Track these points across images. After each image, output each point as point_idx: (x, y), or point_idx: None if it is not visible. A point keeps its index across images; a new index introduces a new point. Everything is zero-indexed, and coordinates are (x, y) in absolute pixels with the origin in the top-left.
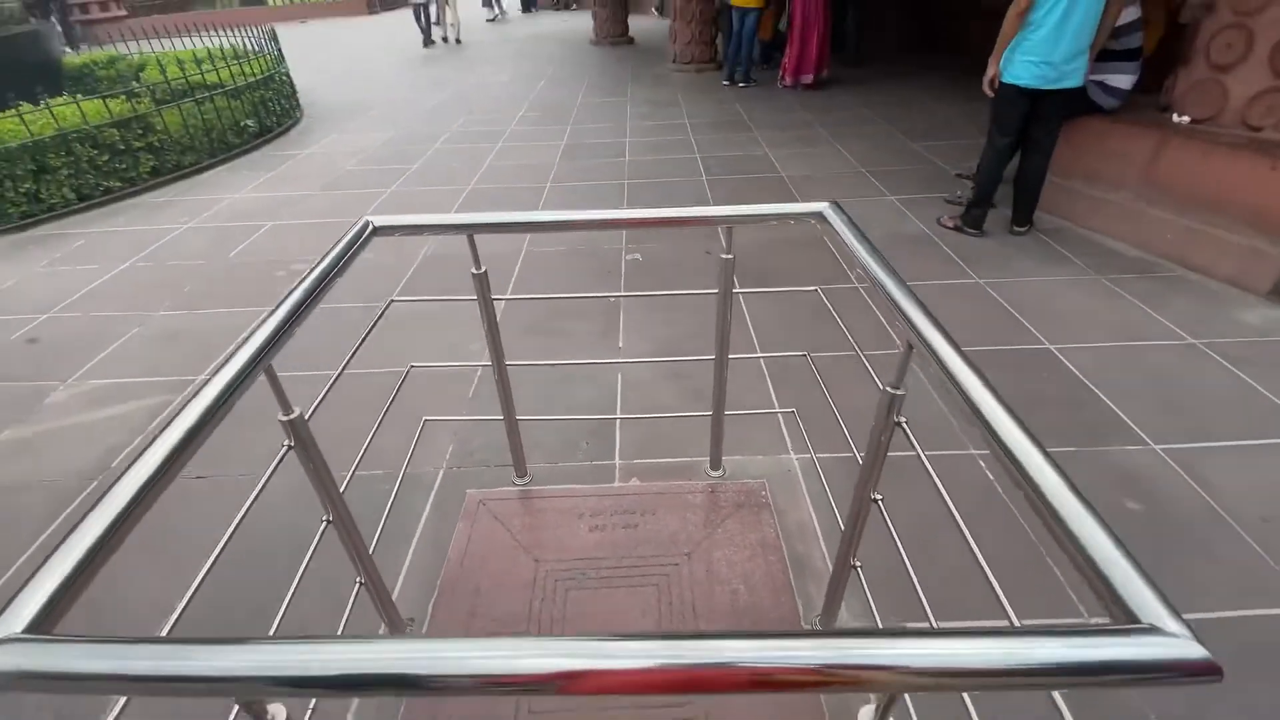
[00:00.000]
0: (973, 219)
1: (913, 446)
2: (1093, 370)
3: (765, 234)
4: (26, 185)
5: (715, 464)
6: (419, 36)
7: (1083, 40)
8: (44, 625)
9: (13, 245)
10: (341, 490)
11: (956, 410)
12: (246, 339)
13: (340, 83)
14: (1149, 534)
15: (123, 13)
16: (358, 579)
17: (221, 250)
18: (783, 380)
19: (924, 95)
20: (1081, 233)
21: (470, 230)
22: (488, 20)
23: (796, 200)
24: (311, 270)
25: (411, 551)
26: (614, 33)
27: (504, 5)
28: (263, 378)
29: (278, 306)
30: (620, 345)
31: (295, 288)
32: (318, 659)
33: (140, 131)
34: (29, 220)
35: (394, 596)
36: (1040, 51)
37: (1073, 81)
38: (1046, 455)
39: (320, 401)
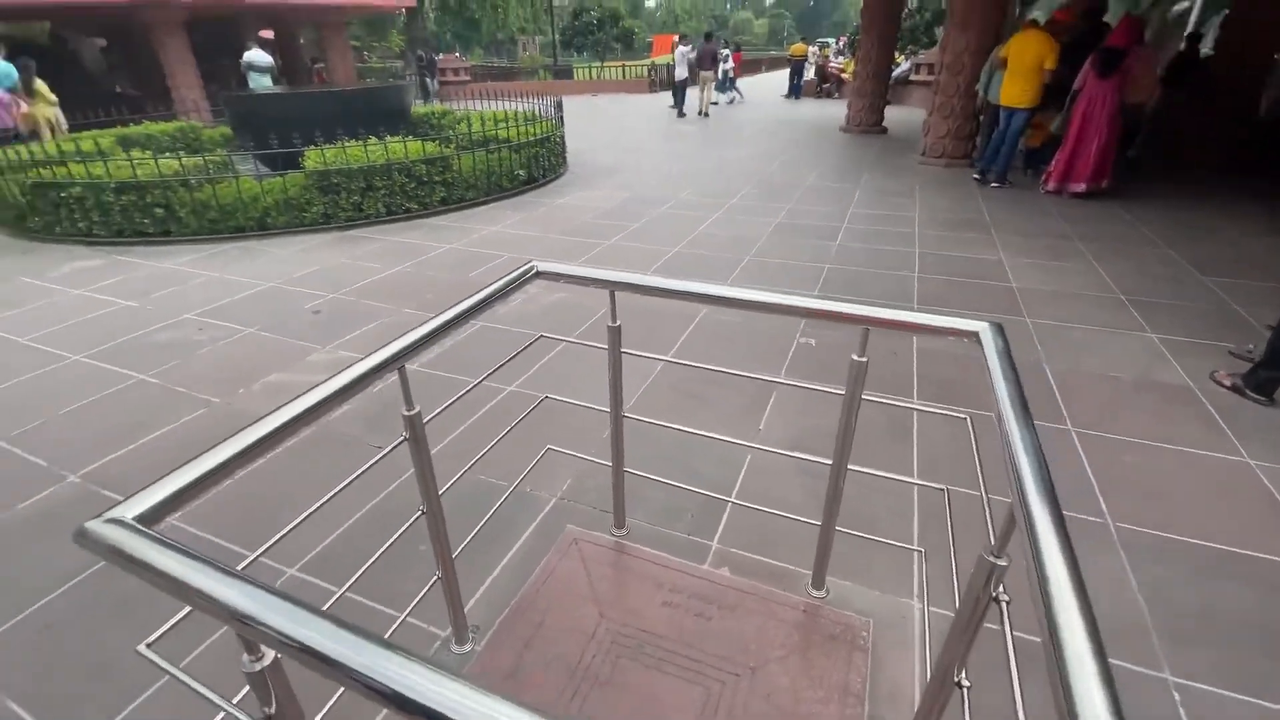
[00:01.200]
0: (1261, 383)
1: (1008, 632)
2: None
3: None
4: (355, 198)
5: (818, 582)
6: (684, 111)
7: None
8: (149, 519)
9: (333, 240)
10: (441, 491)
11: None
12: (389, 342)
13: (605, 147)
14: None
15: (468, 78)
16: (436, 573)
17: (464, 269)
18: (930, 512)
19: (1231, 223)
20: None
21: (612, 287)
22: (728, 104)
23: (1021, 315)
24: (472, 296)
25: (501, 566)
26: (867, 121)
27: (741, 91)
28: (395, 377)
29: (430, 319)
30: (761, 427)
31: (451, 307)
32: (354, 653)
33: (440, 169)
34: (349, 224)
35: (470, 601)
36: None
37: None
38: None
39: (446, 408)
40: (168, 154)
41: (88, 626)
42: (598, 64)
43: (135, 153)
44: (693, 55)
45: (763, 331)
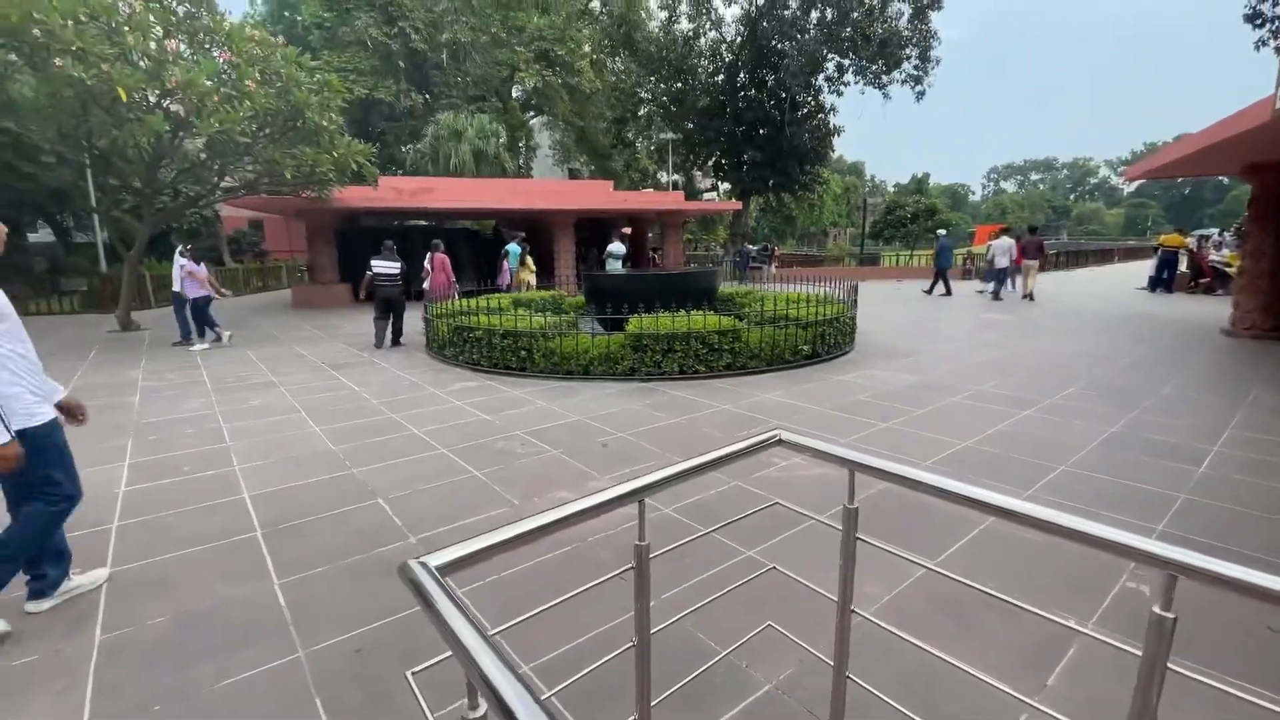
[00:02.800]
0: None
1: None
2: None
3: None
4: (657, 356)
5: None
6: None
7: None
8: (445, 570)
9: (631, 389)
10: (654, 630)
11: None
12: (635, 479)
13: (899, 330)
14: None
15: (775, 263)
16: (633, 717)
17: (732, 428)
18: None
19: None
20: None
21: (852, 466)
22: (991, 296)
23: None
24: (715, 450)
25: None
26: (1263, 325)
27: (1015, 284)
28: (634, 506)
29: (678, 462)
30: (1048, 683)
31: (698, 456)
32: None
33: (731, 339)
34: (648, 378)
35: None
36: None
37: None
38: None
39: (675, 547)
40: (538, 314)
41: (388, 654)
42: (906, 251)
43: (520, 311)
44: (1012, 247)
45: (1075, 563)
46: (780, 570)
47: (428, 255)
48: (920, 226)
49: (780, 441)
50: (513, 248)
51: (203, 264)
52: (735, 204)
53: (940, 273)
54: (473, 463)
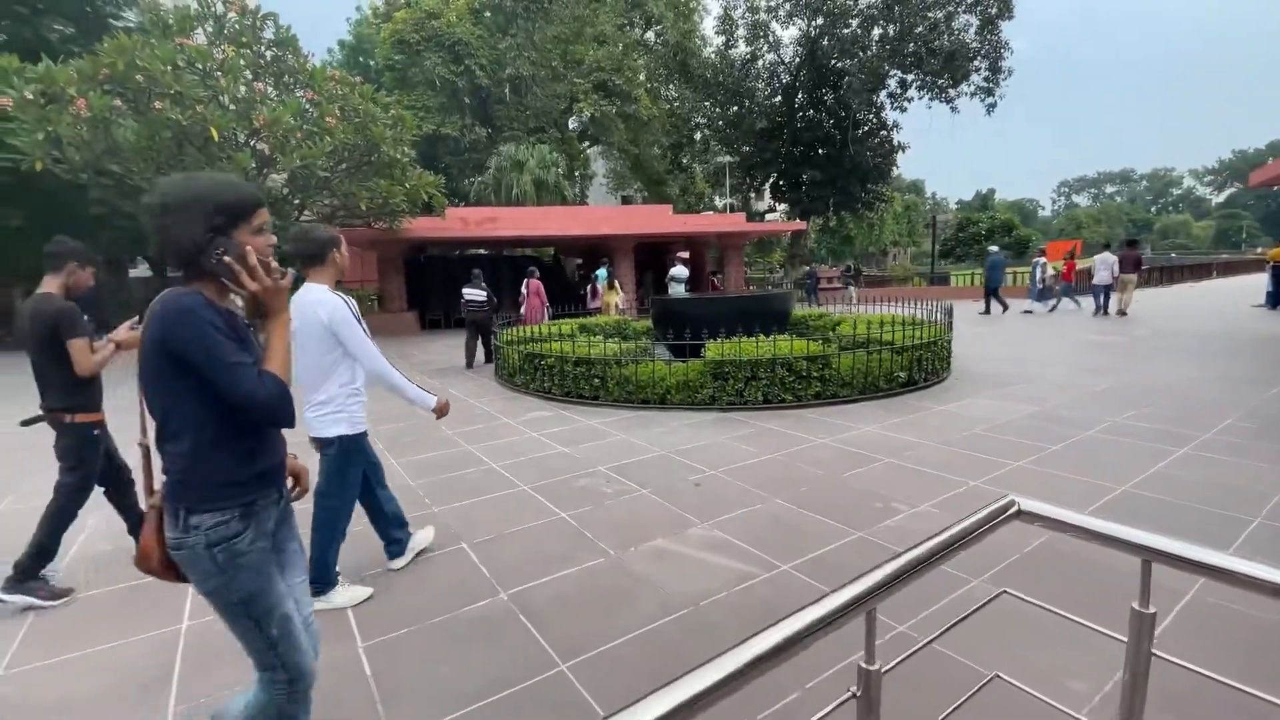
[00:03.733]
0: None
1: None
2: None
3: None
4: (739, 385)
5: None
6: (1084, 320)
7: None
8: None
9: (713, 419)
10: None
11: None
12: (856, 579)
13: (993, 353)
14: None
15: (839, 285)
16: None
17: (837, 467)
18: None
19: None
20: None
21: (1148, 555)
22: (1047, 311)
23: None
24: (939, 534)
25: None
26: None
27: (1077, 300)
28: (861, 619)
29: (895, 557)
30: None
31: (917, 545)
32: None
33: (820, 366)
34: (729, 407)
35: None
36: None
37: None
38: None
39: (900, 661)
40: (607, 340)
41: None
42: (979, 270)
43: (591, 338)
44: (1115, 262)
45: None
46: (1004, 679)
47: (524, 281)
48: (997, 243)
49: (1019, 513)
50: (601, 272)
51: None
52: (799, 224)
53: (991, 291)
54: (558, 502)
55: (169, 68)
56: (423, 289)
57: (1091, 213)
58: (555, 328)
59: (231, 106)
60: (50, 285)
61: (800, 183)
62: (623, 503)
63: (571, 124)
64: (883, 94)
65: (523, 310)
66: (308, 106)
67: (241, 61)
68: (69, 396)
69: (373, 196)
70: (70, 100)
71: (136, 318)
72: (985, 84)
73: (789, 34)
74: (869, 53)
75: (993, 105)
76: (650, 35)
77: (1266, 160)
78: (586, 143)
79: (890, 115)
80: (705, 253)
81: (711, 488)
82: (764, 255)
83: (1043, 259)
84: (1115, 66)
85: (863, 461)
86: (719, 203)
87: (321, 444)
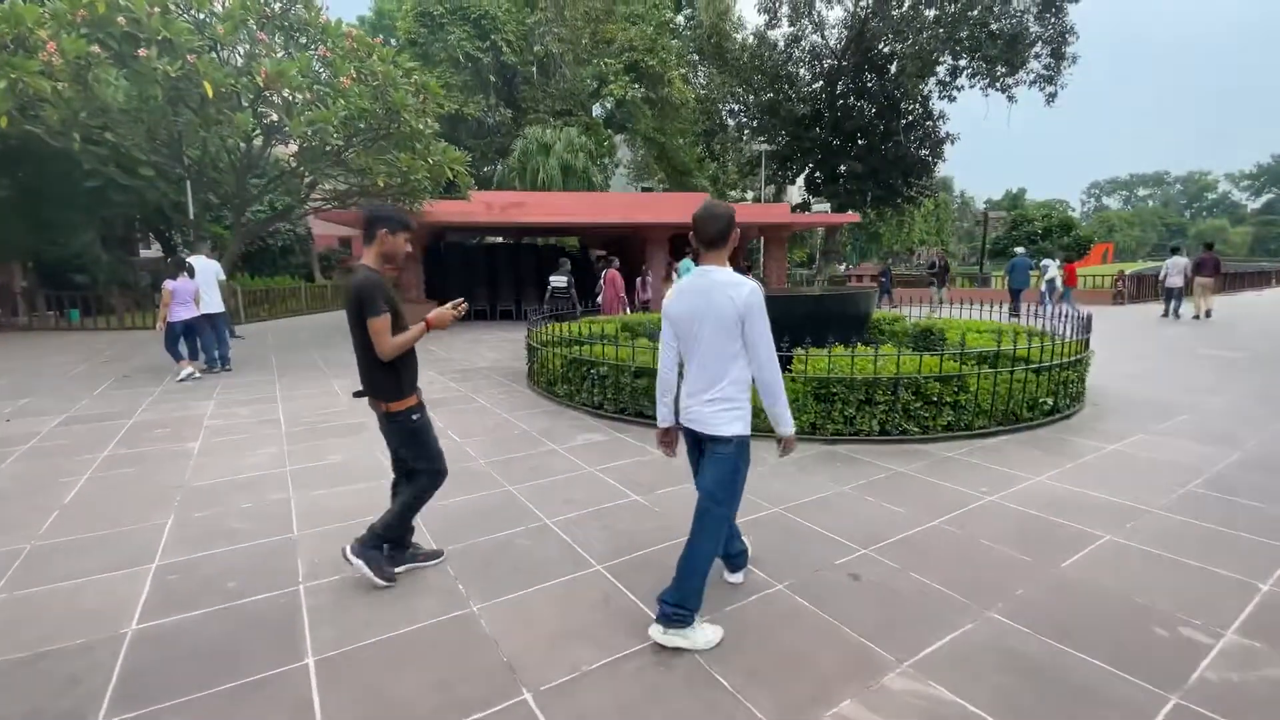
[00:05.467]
0: None
1: None
2: None
3: None
4: (850, 410)
5: None
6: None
7: None
8: None
9: (819, 456)
10: None
11: None
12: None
13: (1112, 369)
14: None
15: (931, 283)
16: None
17: (1045, 550)
18: None
19: None
20: None
21: None
22: (1171, 316)
23: None
24: None
25: None
26: None
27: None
28: None
29: None
30: None
31: None
32: None
33: (956, 389)
34: (835, 438)
35: None
36: None
37: None
38: None
39: None
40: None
41: None
42: (1035, 271)
43: (639, 341)
44: (1187, 266)
45: None
46: None
47: (602, 272)
48: (1054, 243)
49: None
50: (686, 262)
51: (184, 278)
52: (852, 215)
53: (1015, 294)
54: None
55: (156, 10)
56: (441, 278)
57: (1125, 215)
58: (598, 327)
59: (232, 60)
60: (367, 257)
61: (838, 175)
62: (753, 608)
63: (596, 110)
64: (931, 81)
65: (599, 299)
66: (319, 67)
67: (244, 7)
68: (379, 383)
69: (392, 172)
70: (41, 46)
71: (461, 299)
72: (1046, 71)
73: (834, 15)
74: (923, 35)
75: (1053, 95)
76: (680, 19)
77: None
78: (611, 130)
79: (936, 105)
80: (744, 246)
81: (877, 581)
82: (793, 248)
83: (1171, 260)
84: (1156, 59)
85: (1072, 538)
86: (748, 196)
87: (715, 442)
